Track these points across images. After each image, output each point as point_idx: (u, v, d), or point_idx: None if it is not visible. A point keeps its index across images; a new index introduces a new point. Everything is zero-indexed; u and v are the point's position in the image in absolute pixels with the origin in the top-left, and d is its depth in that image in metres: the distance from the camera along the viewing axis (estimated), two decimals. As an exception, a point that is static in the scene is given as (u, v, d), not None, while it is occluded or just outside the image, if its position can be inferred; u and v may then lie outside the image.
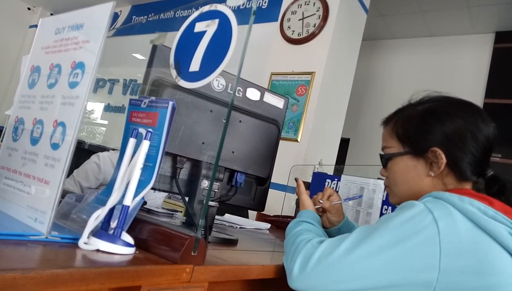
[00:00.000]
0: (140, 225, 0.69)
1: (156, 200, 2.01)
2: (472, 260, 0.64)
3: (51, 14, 6.42)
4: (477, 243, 0.66)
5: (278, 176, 1.47)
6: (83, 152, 2.22)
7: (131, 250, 0.62)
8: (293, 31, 3.31)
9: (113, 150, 2.11)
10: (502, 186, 0.79)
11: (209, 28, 0.71)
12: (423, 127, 0.81)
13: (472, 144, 0.77)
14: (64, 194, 0.76)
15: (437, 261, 0.64)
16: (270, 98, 1.12)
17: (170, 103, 0.66)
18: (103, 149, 2.11)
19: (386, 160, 0.87)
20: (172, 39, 0.78)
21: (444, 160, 0.77)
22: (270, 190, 1.16)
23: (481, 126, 0.78)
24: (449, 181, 0.79)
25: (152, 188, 0.68)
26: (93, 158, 1.90)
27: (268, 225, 1.66)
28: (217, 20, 0.71)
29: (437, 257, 0.64)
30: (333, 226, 1.08)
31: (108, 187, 0.69)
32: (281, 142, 1.16)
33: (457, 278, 0.64)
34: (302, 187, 1.05)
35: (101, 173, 1.87)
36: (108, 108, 5.40)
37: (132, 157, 0.66)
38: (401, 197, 0.85)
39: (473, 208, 0.68)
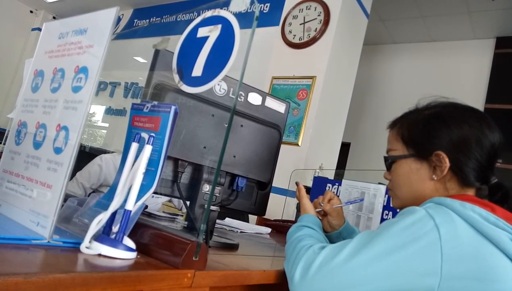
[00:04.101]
0: (142, 229, 0.69)
1: (158, 205, 2.02)
2: (474, 266, 0.64)
3: (54, 18, 6.45)
4: (479, 249, 0.66)
5: (279, 180, 1.47)
6: (84, 155, 2.23)
7: (133, 255, 0.62)
8: (294, 35, 3.32)
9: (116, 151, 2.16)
10: (505, 193, 0.79)
11: (211, 33, 0.72)
12: (428, 131, 0.81)
13: (477, 150, 0.77)
14: (66, 197, 0.77)
15: (438, 267, 0.64)
16: (271, 103, 1.12)
17: (173, 108, 0.66)
18: (103, 152, 2.14)
19: (390, 162, 0.88)
20: (174, 43, 0.79)
21: (447, 164, 0.78)
22: (270, 194, 1.16)
23: (486, 133, 0.79)
24: (452, 186, 0.79)
25: (154, 192, 0.69)
26: (97, 160, 1.98)
27: (269, 229, 1.65)
28: (219, 26, 0.71)
29: (439, 263, 0.64)
30: (334, 230, 1.08)
31: (110, 191, 0.69)
32: (282, 146, 1.16)
33: (458, 284, 0.64)
34: (303, 191, 1.05)
35: (102, 173, 1.94)
36: (109, 111, 5.41)
37: (135, 161, 0.66)
38: (403, 200, 0.85)
39: (474, 214, 0.68)
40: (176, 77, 0.75)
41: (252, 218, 2.16)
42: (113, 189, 0.68)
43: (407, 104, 0.90)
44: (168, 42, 0.88)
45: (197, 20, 0.75)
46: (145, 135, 0.67)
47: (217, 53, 0.70)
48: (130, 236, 0.63)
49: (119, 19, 5.63)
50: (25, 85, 0.80)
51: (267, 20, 3.77)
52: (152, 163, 0.65)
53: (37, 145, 0.70)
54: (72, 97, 0.66)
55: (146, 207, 1.37)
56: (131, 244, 0.62)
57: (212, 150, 0.95)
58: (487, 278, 0.64)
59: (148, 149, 0.65)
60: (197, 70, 0.71)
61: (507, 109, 4.00)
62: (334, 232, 1.08)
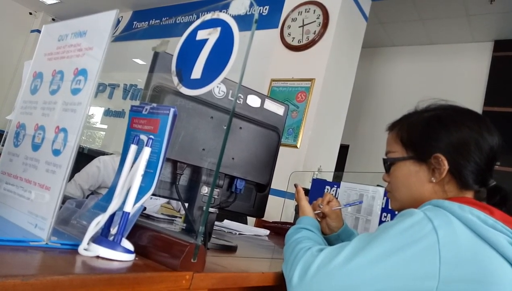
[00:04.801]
0: (140, 231, 0.69)
1: (156, 206, 2.02)
2: (472, 269, 0.64)
3: (53, 20, 6.46)
4: (477, 252, 0.66)
5: (277, 182, 1.47)
6: (82, 157, 2.22)
7: (131, 257, 0.62)
8: (293, 38, 3.33)
9: (115, 153, 2.16)
10: (504, 196, 0.79)
11: (211, 36, 0.72)
12: (427, 133, 0.82)
13: (476, 153, 0.78)
14: (64, 199, 0.76)
15: (436, 270, 0.64)
16: (270, 105, 1.12)
17: (172, 110, 0.66)
18: (102, 153, 2.13)
19: (389, 164, 0.88)
20: (173, 45, 0.79)
21: (446, 166, 0.78)
22: (269, 196, 1.16)
23: (485, 136, 0.79)
24: (450, 189, 0.79)
25: (153, 194, 0.69)
26: (95, 161, 1.97)
27: (267, 231, 1.65)
28: (219, 29, 0.71)
29: (437, 266, 0.64)
30: (333, 232, 1.08)
31: (108, 193, 0.69)
32: (280, 148, 1.16)
33: (456, 287, 0.64)
34: (302, 193, 1.05)
35: (100, 175, 1.93)
36: (108, 112, 5.41)
37: (133, 163, 0.66)
38: (402, 202, 0.85)
39: (473, 216, 0.68)
40: (175, 79, 0.75)
41: (251, 220, 2.16)
42: (111, 190, 0.68)
43: (406, 107, 0.90)
44: (167, 45, 0.88)
45: (197, 22, 0.76)
46: (144, 137, 0.67)
47: (216, 55, 0.70)
48: (128, 238, 0.63)
49: (118, 21, 5.65)
50: (24, 87, 0.80)
51: (266, 22, 3.78)
52: (150, 164, 0.65)
53: (35, 147, 0.70)
54: (71, 100, 0.66)
55: (145, 208, 1.37)
56: (129, 246, 0.62)
57: (211, 152, 0.95)
58: (485, 281, 0.64)
59: (147, 151, 0.65)
60: (196, 72, 0.71)
61: (505, 112, 4.02)
62: (333, 234, 1.08)
